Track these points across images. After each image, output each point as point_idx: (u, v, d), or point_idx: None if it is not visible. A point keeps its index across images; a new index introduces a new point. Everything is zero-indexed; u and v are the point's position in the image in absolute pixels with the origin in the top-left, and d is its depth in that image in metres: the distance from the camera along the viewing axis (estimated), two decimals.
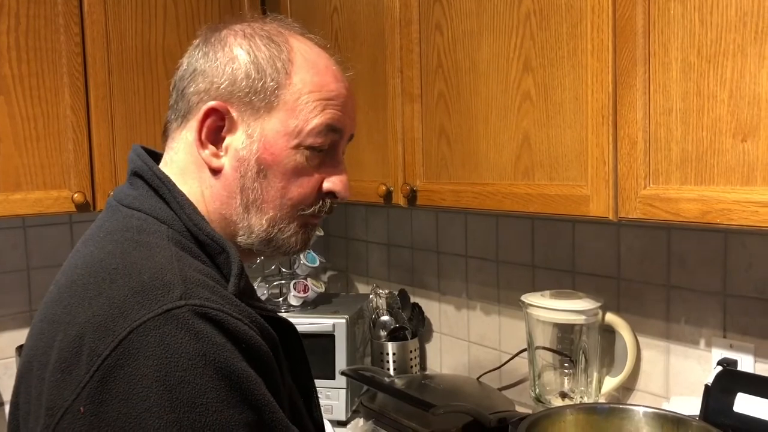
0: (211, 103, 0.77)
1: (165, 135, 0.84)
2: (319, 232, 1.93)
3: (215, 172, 0.79)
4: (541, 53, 1.16)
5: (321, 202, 0.82)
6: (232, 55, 0.78)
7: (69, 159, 1.58)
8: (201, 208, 0.78)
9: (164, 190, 0.77)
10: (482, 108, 1.28)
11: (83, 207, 1.57)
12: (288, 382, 0.75)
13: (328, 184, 0.82)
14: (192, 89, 0.79)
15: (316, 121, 0.79)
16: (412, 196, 1.44)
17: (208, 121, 0.77)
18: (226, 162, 0.78)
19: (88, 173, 1.60)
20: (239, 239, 0.80)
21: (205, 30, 0.82)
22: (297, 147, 0.78)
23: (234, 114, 0.78)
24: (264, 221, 0.79)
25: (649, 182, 1.02)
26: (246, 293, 0.73)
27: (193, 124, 0.79)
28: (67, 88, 1.57)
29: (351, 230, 2.24)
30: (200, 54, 0.80)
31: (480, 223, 1.76)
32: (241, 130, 0.78)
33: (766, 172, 0.88)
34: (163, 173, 0.79)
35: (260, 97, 0.77)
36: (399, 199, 1.48)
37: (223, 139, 0.78)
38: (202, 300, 0.64)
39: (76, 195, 1.56)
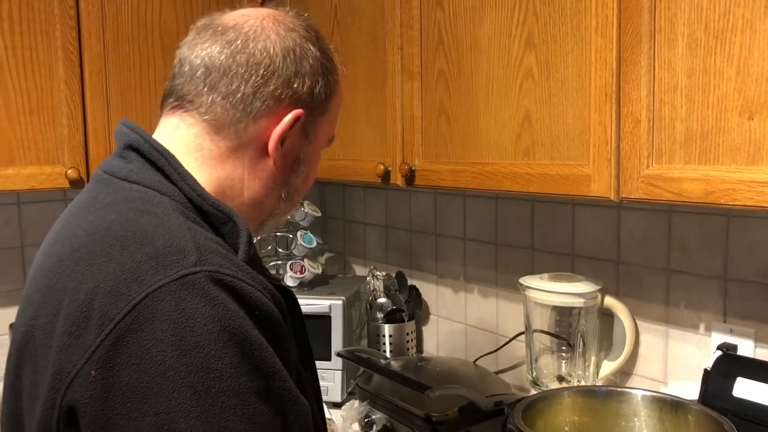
0: (297, 111, 0.80)
1: (180, 106, 0.79)
2: (317, 213, 1.92)
3: (268, 158, 0.81)
4: (544, 29, 1.13)
5: None
6: (304, 57, 0.80)
7: (63, 134, 1.56)
8: (236, 189, 0.79)
9: (163, 162, 0.76)
10: (483, 86, 1.25)
11: (77, 183, 1.55)
12: (294, 349, 0.75)
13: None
14: (268, 89, 0.77)
15: (333, 131, 0.89)
16: (410, 176, 1.42)
17: (296, 126, 0.80)
18: (280, 156, 0.81)
19: (83, 149, 1.58)
20: (266, 224, 0.87)
21: (273, 20, 0.81)
22: (323, 147, 0.87)
23: (303, 118, 0.81)
24: (289, 206, 0.87)
25: (652, 162, 1.00)
26: (255, 261, 0.74)
27: (263, 123, 0.78)
28: (61, 62, 1.54)
29: (349, 212, 2.22)
30: (278, 49, 0.78)
31: (479, 206, 1.74)
32: (303, 131, 0.82)
33: None
34: (162, 146, 0.77)
35: (321, 101, 0.82)
36: (397, 179, 1.46)
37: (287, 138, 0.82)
38: (217, 266, 0.64)
39: (70, 171, 1.54)
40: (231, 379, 0.61)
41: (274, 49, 0.78)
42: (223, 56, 0.77)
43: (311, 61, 0.80)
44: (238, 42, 0.78)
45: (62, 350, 0.63)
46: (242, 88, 0.77)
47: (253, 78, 0.77)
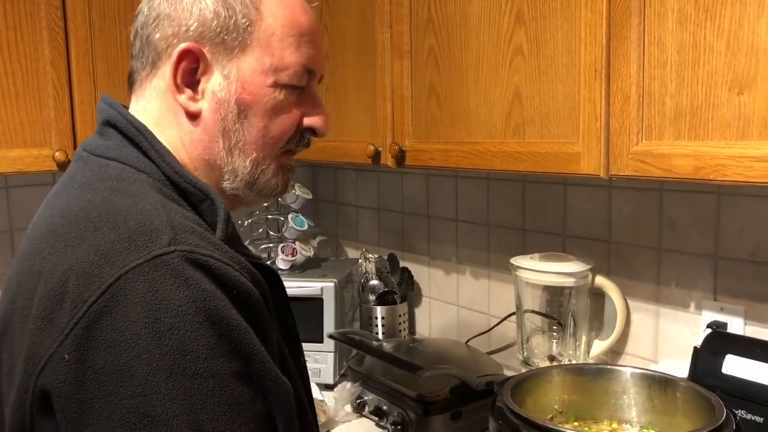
0: (184, 45, 0.74)
1: (131, 86, 0.81)
2: (308, 195, 1.91)
3: (193, 116, 0.77)
4: (534, 5, 1.12)
5: (299, 137, 0.82)
6: None
7: (49, 116, 1.54)
8: (182, 156, 0.77)
9: (140, 139, 0.75)
10: (473, 64, 1.24)
11: (65, 166, 1.53)
12: (276, 329, 0.74)
13: (309, 121, 0.81)
14: (158, 35, 0.76)
15: (293, 59, 0.77)
16: (400, 156, 1.41)
17: (183, 64, 0.75)
18: (204, 105, 0.76)
19: (70, 131, 1.56)
20: (224, 184, 0.79)
21: None
22: (274, 85, 0.77)
23: (208, 55, 0.75)
24: (248, 163, 0.78)
25: (642, 138, 0.99)
26: (233, 240, 0.73)
27: (165, 69, 0.76)
28: (46, 43, 1.52)
29: (341, 194, 2.21)
30: (153, 3, 0.77)
31: (470, 187, 1.73)
32: (216, 72, 0.76)
33: (763, 126, 0.86)
34: (139, 122, 0.77)
35: (233, 36, 0.75)
36: (387, 160, 1.45)
37: (198, 82, 0.76)
38: (192, 246, 0.63)
39: (57, 153, 1.52)
40: (207, 360, 0.59)
41: None
42: (137, 24, 0.79)
43: None
44: (141, 6, 0.80)
45: (36, 334, 0.62)
46: (142, 45, 0.78)
47: (146, 30, 0.77)
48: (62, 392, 0.59)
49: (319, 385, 1.65)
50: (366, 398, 1.50)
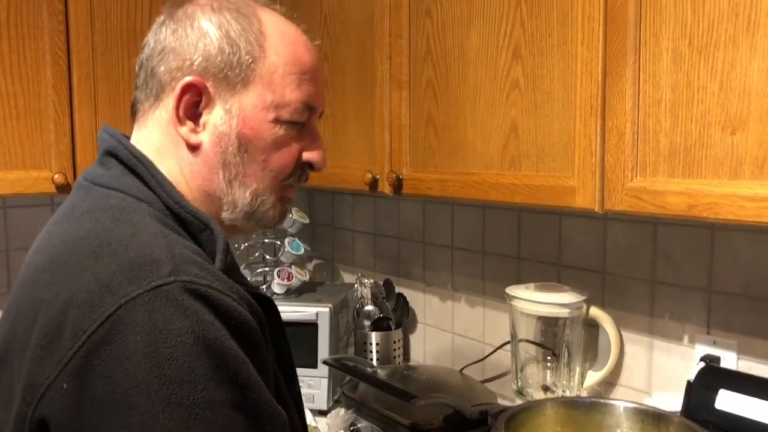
0: (188, 79, 0.76)
1: (134, 116, 0.83)
2: (305, 220, 1.91)
3: (194, 148, 0.78)
4: (531, 41, 1.14)
5: (299, 172, 0.84)
6: (203, 31, 0.77)
7: (50, 139, 1.55)
8: (182, 187, 0.78)
9: (141, 169, 0.76)
10: (470, 96, 1.26)
11: (64, 188, 1.54)
12: (272, 357, 0.75)
13: (307, 156, 0.83)
14: (163, 68, 0.78)
15: (294, 96, 0.79)
16: (397, 185, 1.42)
17: (186, 97, 0.77)
18: (204, 138, 0.78)
19: (70, 154, 1.57)
20: (224, 215, 0.80)
21: (169, 6, 0.81)
22: (275, 121, 0.79)
23: (210, 89, 0.77)
24: (248, 194, 0.79)
25: (636, 174, 1.00)
26: (232, 269, 0.74)
27: (168, 102, 0.78)
28: (48, 66, 1.53)
29: (337, 219, 2.22)
30: (168, 31, 0.78)
31: (467, 215, 1.74)
32: (218, 106, 0.77)
33: (755, 166, 0.87)
34: (140, 152, 0.78)
35: (236, 72, 0.77)
36: (385, 188, 1.46)
37: (200, 115, 0.78)
38: (192, 276, 0.64)
39: (56, 176, 1.53)
40: (205, 390, 0.60)
41: (165, 30, 0.79)
42: (143, 55, 0.81)
43: (204, 31, 0.77)
44: (148, 39, 0.81)
45: (35, 363, 0.63)
46: (146, 77, 0.80)
47: (151, 63, 0.79)
48: (60, 421, 0.60)
49: (312, 410, 1.65)
50: (359, 425, 1.49)
